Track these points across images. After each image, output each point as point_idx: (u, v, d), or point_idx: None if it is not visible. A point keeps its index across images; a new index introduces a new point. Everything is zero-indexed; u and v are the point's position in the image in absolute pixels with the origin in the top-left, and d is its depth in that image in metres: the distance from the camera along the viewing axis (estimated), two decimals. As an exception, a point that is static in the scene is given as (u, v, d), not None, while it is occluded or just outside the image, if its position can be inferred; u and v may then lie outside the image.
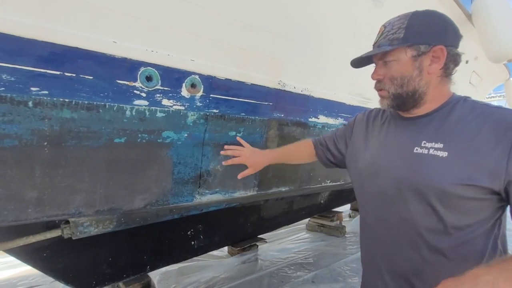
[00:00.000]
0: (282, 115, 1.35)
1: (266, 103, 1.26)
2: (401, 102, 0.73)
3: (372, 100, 1.90)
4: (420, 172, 0.67)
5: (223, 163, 1.17)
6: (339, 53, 1.60)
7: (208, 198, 1.15)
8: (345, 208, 5.84)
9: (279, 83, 1.29)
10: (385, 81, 0.75)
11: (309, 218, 4.94)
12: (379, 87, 0.79)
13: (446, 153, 0.64)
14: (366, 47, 1.89)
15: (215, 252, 3.66)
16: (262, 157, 1.13)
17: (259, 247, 3.52)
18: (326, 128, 1.60)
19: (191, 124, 1.03)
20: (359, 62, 0.86)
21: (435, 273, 0.66)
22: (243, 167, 1.25)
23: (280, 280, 2.91)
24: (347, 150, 0.94)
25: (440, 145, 0.65)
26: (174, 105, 0.98)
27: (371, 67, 0.84)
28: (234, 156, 1.13)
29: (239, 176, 1.11)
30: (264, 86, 1.24)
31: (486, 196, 0.62)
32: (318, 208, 4.44)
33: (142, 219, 2.22)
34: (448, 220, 0.64)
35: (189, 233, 2.94)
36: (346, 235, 4.50)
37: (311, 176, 1.57)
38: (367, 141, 0.85)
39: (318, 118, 1.53)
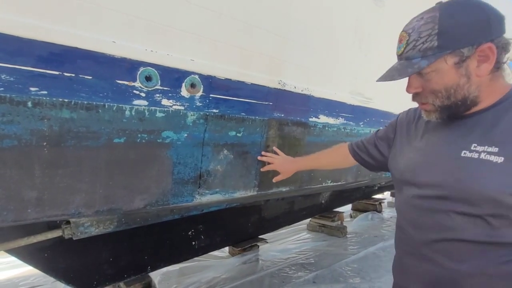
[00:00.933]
0: (283, 115, 1.34)
1: (266, 103, 1.26)
2: (452, 112, 0.64)
3: (373, 100, 1.90)
4: (469, 179, 0.57)
5: (261, 169, 1.32)
6: (340, 52, 1.60)
7: (208, 198, 1.14)
8: (346, 208, 5.83)
9: (279, 83, 1.29)
10: (426, 94, 0.65)
11: (310, 219, 4.94)
12: (419, 101, 0.69)
13: (502, 158, 0.55)
14: (367, 47, 1.88)
15: (216, 253, 3.66)
16: (292, 164, 1.26)
17: (260, 247, 3.52)
18: (326, 128, 1.59)
19: (190, 124, 1.03)
20: (385, 78, 0.74)
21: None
22: (243, 169, 1.25)
23: (281, 281, 2.90)
24: (389, 151, 0.85)
25: (495, 149, 0.56)
26: (173, 105, 0.97)
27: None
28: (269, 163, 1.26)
29: (274, 180, 1.29)
30: (264, 86, 1.23)
31: None
32: (319, 208, 4.44)
33: (142, 220, 2.22)
34: (501, 235, 0.56)
35: (190, 233, 2.94)
36: (347, 236, 4.48)
37: (311, 176, 1.56)
38: (410, 142, 0.77)
39: (319, 118, 1.52)
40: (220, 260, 3.33)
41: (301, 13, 1.31)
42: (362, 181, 2.13)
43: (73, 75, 0.78)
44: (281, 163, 1.26)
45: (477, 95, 0.61)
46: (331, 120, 1.60)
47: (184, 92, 0.99)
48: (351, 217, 5.62)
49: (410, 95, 0.73)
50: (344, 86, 1.66)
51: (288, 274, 3.04)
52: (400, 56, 0.68)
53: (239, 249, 3.42)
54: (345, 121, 1.70)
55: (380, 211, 5.57)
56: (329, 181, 1.71)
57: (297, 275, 3.02)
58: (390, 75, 0.69)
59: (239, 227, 3.44)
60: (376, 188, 5.34)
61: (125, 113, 0.87)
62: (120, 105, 0.86)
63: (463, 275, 0.59)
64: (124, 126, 0.88)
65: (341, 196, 4.81)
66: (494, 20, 0.58)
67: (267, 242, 3.64)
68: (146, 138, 0.93)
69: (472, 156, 0.58)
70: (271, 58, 1.24)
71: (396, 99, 2.29)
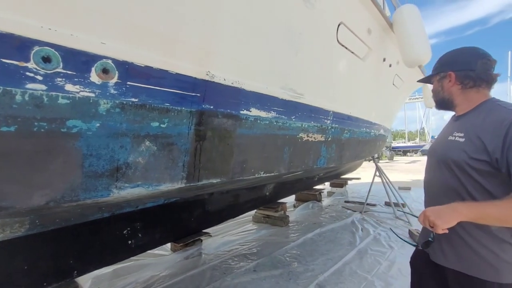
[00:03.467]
0: (212, 107, 1.34)
1: (193, 93, 1.23)
2: (440, 106, 1.16)
3: (304, 96, 2.02)
4: (447, 151, 1.02)
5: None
6: (272, 48, 1.66)
7: (128, 192, 1.08)
8: (291, 199, 6.16)
9: (207, 74, 1.27)
10: (432, 93, 1.19)
11: (255, 210, 5.08)
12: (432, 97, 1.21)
13: (464, 139, 0.97)
14: (298, 46, 1.95)
15: (157, 250, 3.51)
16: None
17: (203, 241, 3.50)
18: (258, 121, 1.64)
19: (104, 113, 0.95)
20: (421, 80, 1.30)
21: None
22: (169, 161, 1.21)
23: (223, 272, 2.93)
24: None
25: (461, 134, 0.99)
26: (81, 91, 0.88)
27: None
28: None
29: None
30: (191, 76, 1.21)
31: (488, 169, 0.89)
32: (264, 200, 4.59)
33: (63, 220, 2.00)
34: (461, 179, 0.96)
35: (125, 232, 2.76)
36: (289, 224, 4.75)
37: (244, 168, 1.60)
38: (441, 132, 1.20)
39: (250, 111, 1.56)
40: (161, 257, 3.21)
41: (231, 5, 1.32)
42: (295, 172, 2.27)
43: None
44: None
45: (449, 99, 1.10)
46: (263, 114, 1.66)
47: (95, 78, 0.91)
48: (294, 207, 5.95)
49: (339, 95, 1.71)
50: (276, 81, 1.73)
51: (230, 266, 3.09)
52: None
53: (181, 244, 3.34)
54: (277, 115, 1.78)
55: (319, 200, 6.03)
56: (262, 172, 1.78)
57: (239, 265, 3.09)
58: (420, 80, 1.32)
59: (181, 223, 3.36)
60: (316, 179, 5.77)
61: (15, 98, 0.76)
62: (8, 88, 0.75)
63: (444, 199, 0.95)
64: (14, 113, 0.76)
65: (284, 188, 5.06)
66: (461, 59, 1.07)
67: (211, 236, 3.63)
68: (46, 127, 0.83)
69: (451, 139, 1.03)
70: (199, 48, 1.22)
71: (325, 96, 2.49)
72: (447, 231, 0.85)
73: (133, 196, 1.14)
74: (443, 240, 0.99)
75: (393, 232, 1.56)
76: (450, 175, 1.00)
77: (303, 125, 2.09)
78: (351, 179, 7.39)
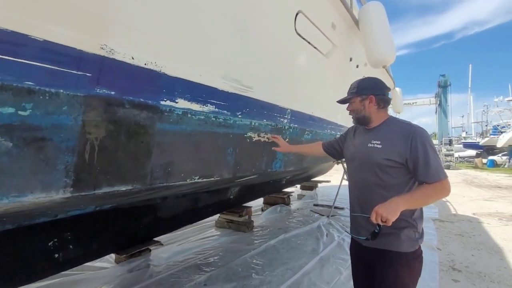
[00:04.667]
0: (113, 92, 1.02)
1: (79, 72, 0.91)
2: (359, 122, 1.41)
3: (253, 89, 1.75)
4: (369, 155, 1.29)
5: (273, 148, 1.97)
6: (208, 28, 1.37)
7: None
8: (259, 202, 5.91)
9: (102, 48, 0.95)
10: (352, 111, 1.42)
11: (219, 215, 4.76)
12: (350, 114, 1.45)
13: (381, 145, 1.27)
14: (245, 30, 1.66)
15: (98, 262, 3.08)
16: (287, 145, 1.99)
17: (152, 251, 3.12)
18: (189, 115, 1.34)
19: None
20: (340, 102, 1.49)
21: (378, 202, 1.14)
22: (40, 163, 0.88)
23: (169, 287, 2.59)
24: (343, 147, 1.58)
25: (378, 142, 1.28)
26: None
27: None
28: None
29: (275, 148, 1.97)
30: (74, 48, 0.89)
31: (399, 166, 1.22)
32: (228, 204, 4.26)
33: None
34: (382, 177, 1.25)
35: (50, 244, 2.34)
36: (254, 230, 4.48)
37: (169, 172, 1.30)
38: (353, 141, 1.47)
39: (176, 102, 1.25)
40: (99, 271, 2.78)
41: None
42: (245, 176, 2.00)
43: None
44: (283, 142, 1.98)
45: (369, 116, 1.36)
46: (195, 106, 1.36)
47: None
48: (262, 210, 5.71)
49: (299, 92, 2.41)
50: (215, 69, 1.44)
51: (179, 279, 2.74)
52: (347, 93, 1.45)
53: (125, 256, 2.94)
54: (217, 109, 1.49)
55: (288, 204, 5.83)
56: (197, 177, 1.48)
57: (189, 278, 2.75)
58: (339, 100, 1.49)
59: (126, 231, 2.96)
60: (284, 182, 5.56)
61: None
62: None
63: (371, 202, 1.23)
64: None
65: (251, 191, 4.77)
66: (378, 87, 1.39)
67: (162, 245, 3.25)
68: None
69: (371, 146, 1.30)
70: (87, 11, 0.90)
71: (281, 92, 2.24)
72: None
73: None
74: (371, 228, 1.22)
75: (345, 230, 1.45)
76: (372, 174, 1.28)
77: (253, 123, 1.82)
78: (321, 181, 7.30)
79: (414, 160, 1.18)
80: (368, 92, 1.35)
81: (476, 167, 18.90)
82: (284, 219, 5.16)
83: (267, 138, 1.96)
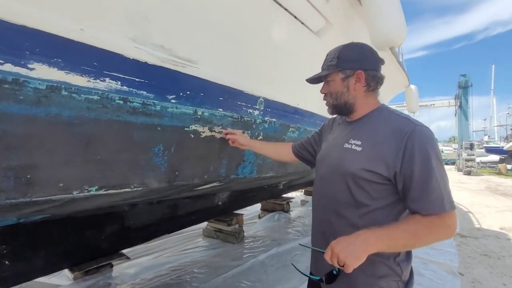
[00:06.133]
0: None
1: None
2: (338, 110, 1.01)
3: (197, 65, 1.24)
4: (343, 161, 0.90)
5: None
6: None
7: None
8: (256, 207, 5.38)
9: None
10: (328, 95, 1.00)
11: (207, 222, 4.28)
12: (325, 99, 1.03)
13: (361, 148, 0.87)
14: None
15: (54, 277, 2.67)
16: (247, 139, 1.45)
17: (114, 266, 2.67)
18: (64, 92, 0.86)
19: None
20: (312, 81, 1.04)
21: (345, 233, 0.81)
22: None
23: (120, 317, 2.14)
24: (317, 149, 1.16)
25: (359, 142, 0.89)
26: None
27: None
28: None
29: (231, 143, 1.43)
30: None
31: (383, 182, 0.83)
32: (215, 211, 3.74)
33: None
34: (356, 196, 0.86)
35: (-22, 259, 1.93)
36: (245, 241, 3.96)
37: (27, 180, 0.81)
38: (327, 139, 1.09)
39: (31, 67, 0.77)
40: (46, 290, 2.37)
41: None
42: (188, 186, 1.48)
43: None
44: (241, 136, 1.43)
45: (353, 102, 0.96)
46: (78, 80, 0.87)
47: None
48: (259, 217, 5.18)
49: (279, 78, 1.80)
50: (116, 24, 0.95)
51: (138, 304, 2.29)
52: (321, 68, 1.01)
53: (80, 272, 2.51)
54: (126, 87, 1.00)
55: (287, 211, 5.26)
56: (94, 189, 0.98)
57: (150, 303, 2.29)
58: (311, 77, 1.03)
59: (84, 242, 2.53)
60: (281, 187, 5.00)
61: None
62: None
63: (333, 231, 0.90)
64: None
65: (243, 196, 4.24)
66: (370, 58, 0.95)
67: (128, 259, 2.79)
68: None
69: (348, 147, 0.91)
70: None
71: (250, 75, 1.71)
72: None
73: None
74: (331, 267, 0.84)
75: (294, 267, 1.01)
76: (342, 188, 0.89)
77: (202, 113, 1.31)
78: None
79: (406, 175, 0.79)
80: (355, 65, 0.92)
81: (499, 173, 17.49)
82: (281, 228, 4.60)
83: (225, 134, 1.45)
